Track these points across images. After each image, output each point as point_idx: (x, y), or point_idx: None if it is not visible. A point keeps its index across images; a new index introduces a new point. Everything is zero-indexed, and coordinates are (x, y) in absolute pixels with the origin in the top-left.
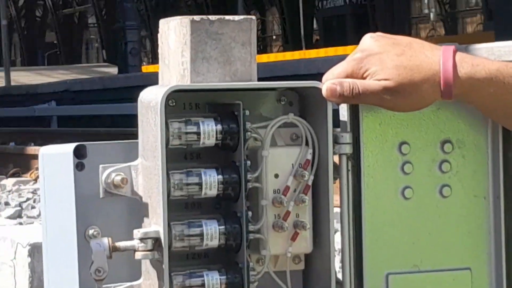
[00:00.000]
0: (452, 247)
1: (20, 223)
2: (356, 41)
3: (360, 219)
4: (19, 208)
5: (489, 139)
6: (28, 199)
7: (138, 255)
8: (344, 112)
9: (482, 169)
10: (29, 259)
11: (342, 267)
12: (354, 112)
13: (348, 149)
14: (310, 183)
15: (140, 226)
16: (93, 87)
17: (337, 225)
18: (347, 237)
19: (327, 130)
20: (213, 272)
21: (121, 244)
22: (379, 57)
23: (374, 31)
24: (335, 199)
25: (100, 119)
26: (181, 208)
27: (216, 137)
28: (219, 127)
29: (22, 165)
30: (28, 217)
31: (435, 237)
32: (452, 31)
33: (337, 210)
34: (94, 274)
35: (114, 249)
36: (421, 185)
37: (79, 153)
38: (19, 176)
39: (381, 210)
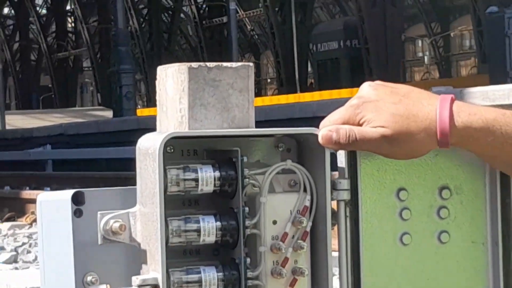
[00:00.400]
0: None
1: (16, 268)
2: (350, 84)
3: (358, 265)
4: (14, 252)
5: (487, 185)
6: (23, 243)
7: None
8: (342, 158)
9: (480, 215)
10: None
11: None
12: (352, 159)
13: (346, 196)
14: (308, 229)
15: (138, 273)
16: (88, 131)
17: (335, 269)
18: (345, 283)
19: (325, 177)
20: None
21: None
22: (375, 105)
23: (369, 74)
24: (333, 243)
25: (96, 163)
26: (179, 255)
27: (214, 184)
28: (217, 173)
29: (17, 209)
30: (24, 261)
31: (433, 283)
32: (446, 74)
33: (335, 254)
34: None
35: None
36: (419, 231)
37: (77, 200)
38: (14, 220)
39: (379, 256)
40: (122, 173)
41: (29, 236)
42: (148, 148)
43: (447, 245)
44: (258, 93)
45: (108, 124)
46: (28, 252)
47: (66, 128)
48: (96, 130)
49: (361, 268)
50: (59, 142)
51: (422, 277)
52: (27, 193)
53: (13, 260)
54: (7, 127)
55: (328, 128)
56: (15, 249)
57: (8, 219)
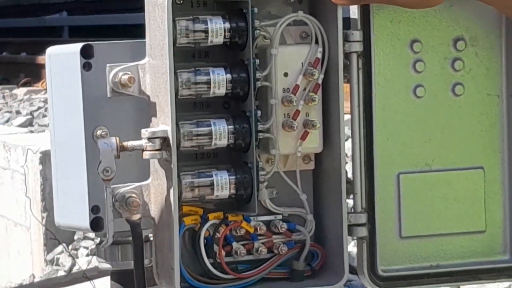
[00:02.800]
0: (465, 146)
1: (31, 131)
2: None
3: (371, 118)
4: (30, 116)
5: (503, 37)
6: (39, 108)
7: (146, 155)
8: (354, 9)
9: (496, 67)
10: (40, 167)
11: (353, 167)
12: (364, 9)
13: (358, 47)
14: (320, 81)
15: (148, 126)
16: None
17: (347, 131)
18: (357, 136)
19: (337, 28)
20: (222, 172)
21: (129, 143)
22: None
23: None
24: (346, 105)
25: (112, 29)
26: (189, 108)
27: (224, 35)
28: (227, 25)
29: (33, 74)
30: (39, 125)
31: (447, 136)
32: None
33: (347, 116)
34: (102, 174)
35: (121, 149)
36: (433, 83)
37: (86, 53)
38: (30, 86)
39: (393, 109)
40: (142, 40)
41: (45, 101)
42: None
43: (462, 98)
44: None
45: None
46: (44, 116)
47: None
48: None
49: (373, 121)
50: (76, 8)
51: (436, 130)
52: (43, 59)
53: (29, 123)
54: None
55: None
56: (31, 113)
57: (24, 85)
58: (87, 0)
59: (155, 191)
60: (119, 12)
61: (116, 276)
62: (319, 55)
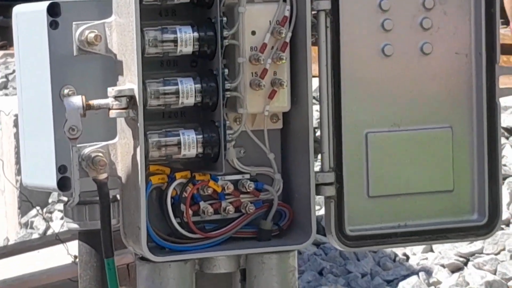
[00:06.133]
0: (433, 105)
1: (6, 94)
2: None
3: (338, 77)
4: (5, 79)
5: None
6: (14, 71)
7: (112, 113)
8: None
9: (464, 25)
10: (14, 130)
11: (321, 126)
12: None
13: (326, 5)
14: (287, 40)
15: (115, 85)
16: None
17: (315, 93)
18: (325, 95)
19: None
20: (189, 131)
21: (95, 102)
22: None
23: None
24: (314, 68)
25: None
26: (156, 67)
27: None
28: None
29: (10, 38)
30: (13, 88)
31: (415, 95)
32: None
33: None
34: (68, 132)
35: (87, 107)
36: (402, 42)
37: (53, 11)
38: (6, 49)
39: (361, 68)
40: None
41: None
42: None
43: (430, 56)
44: None
45: None
46: None
47: None
48: None
49: (341, 79)
50: None
51: (404, 89)
52: None
53: (3, 86)
54: None
55: None
56: (6, 76)
57: (0, 48)
58: None
59: (122, 150)
60: None
61: (84, 236)
62: (287, 13)
